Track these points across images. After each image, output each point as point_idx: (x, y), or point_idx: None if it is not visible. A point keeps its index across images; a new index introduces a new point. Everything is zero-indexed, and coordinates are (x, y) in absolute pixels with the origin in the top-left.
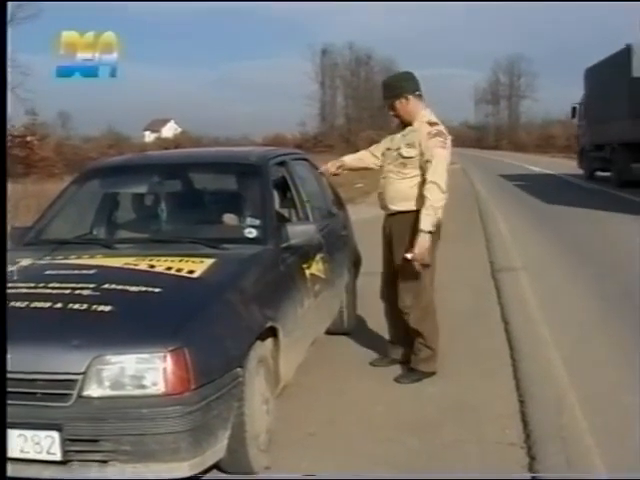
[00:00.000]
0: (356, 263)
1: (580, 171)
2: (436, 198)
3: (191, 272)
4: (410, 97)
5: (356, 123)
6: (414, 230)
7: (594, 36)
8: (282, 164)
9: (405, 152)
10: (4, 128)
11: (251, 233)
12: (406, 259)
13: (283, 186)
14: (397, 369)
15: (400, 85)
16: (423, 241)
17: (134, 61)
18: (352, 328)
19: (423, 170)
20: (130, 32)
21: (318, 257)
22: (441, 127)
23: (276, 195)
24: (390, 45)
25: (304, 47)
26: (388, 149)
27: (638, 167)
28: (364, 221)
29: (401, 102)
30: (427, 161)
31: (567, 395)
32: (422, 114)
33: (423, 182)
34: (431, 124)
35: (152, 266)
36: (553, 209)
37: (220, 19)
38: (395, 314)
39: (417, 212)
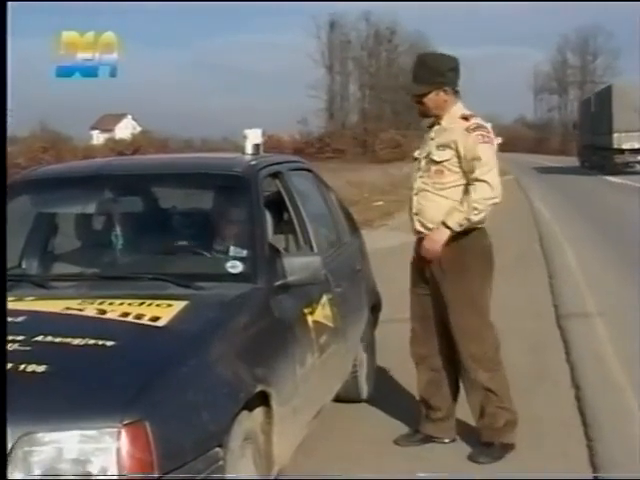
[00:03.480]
0: (375, 307)
1: None
2: (481, 197)
3: (155, 319)
4: (450, 91)
5: (374, 121)
6: (474, 255)
7: None
8: (277, 176)
9: (437, 156)
10: (4, 128)
11: (235, 267)
12: (469, 296)
13: (278, 205)
14: (432, 450)
15: (443, 72)
16: (439, 235)
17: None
18: (369, 394)
19: (466, 174)
20: None
21: (324, 299)
22: (479, 119)
23: (269, 217)
24: (419, 16)
25: (306, 19)
26: (415, 159)
27: (599, 159)
28: (385, 251)
29: (437, 94)
30: (472, 160)
31: None
32: (454, 109)
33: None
34: (466, 118)
35: (102, 311)
36: None
37: None
38: (439, 376)
39: (477, 230)
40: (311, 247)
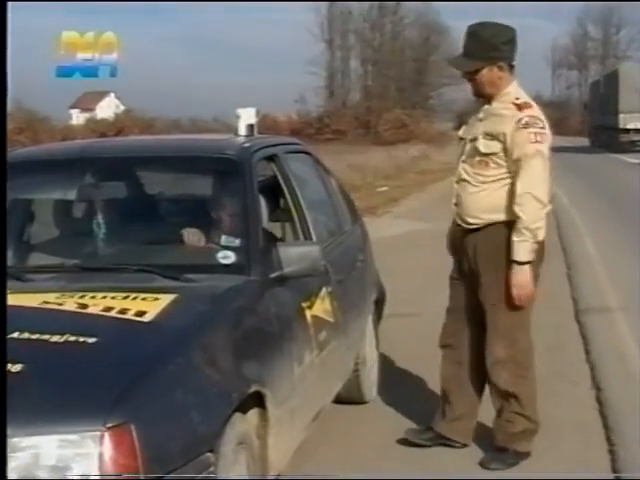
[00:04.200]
0: (378, 301)
1: None
2: (532, 216)
3: (141, 314)
4: (506, 67)
5: (378, 99)
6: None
7: None
8: (272, 159)
9: (483, 146)
10: (4, 128)
11: (227, 258)
12: (507, 293)
13: (273, 190)
14: (440, 455)
15: (500, 46)
16: (521, 275)
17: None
18: (373, 394)
19: (513, 171)
20: None
21: (324, 292)
22: (535, 110)
23: (263, 203)
24: None
25: None
26: (461, 139)
27: (608, 138)
28: (390, 240)
29: (492, 70)
30: (518, 161)
31: None
32: (508, 89)
33: (513, 187)
34: (519, 106)
35: (83, 306)
36: None
37: None
38: (463, 371)
39: (512, 222)
40: (309, 236)
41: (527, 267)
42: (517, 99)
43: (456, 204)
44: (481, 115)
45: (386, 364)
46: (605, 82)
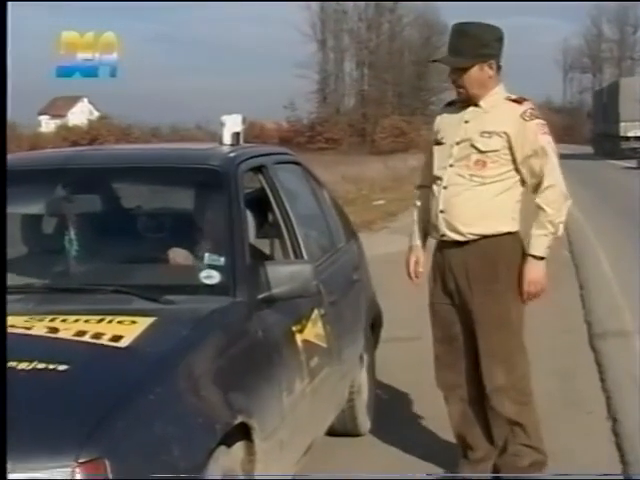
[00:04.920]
0: (375, 324)
1: None
2: (557, 209)
3: (117, 339)
4: (494, 66)
5: (375, 105)
6: (507, 265)
7: None
8: (259, 170)
9: (481, 144)
10: (4, 127)
11: (211, 277)
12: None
13: (261, 204)
14: None
15: (490, 43)
16: (538, 271)
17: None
18: (369, 426)
19: (518, 170)
20: None
21: (316, 315)
22: (532, 103)
23: (250, 218)
24: None
25: None
26: (438, 143)
27: (610, 145)
28: (388, 258)
29: (482, 69)
30: (533, 155)
31: None
32: (494, 91)
33: (515, 188)
34: (517, 101)
35: (54, 330)
36: None
37: None
38: (471, 409)
39: (510, 235)
40: (300, 254)
41: (543, 263)
42: (510, 97)
43: (442, 211)
44: (467, 116)
45: (384, 393)
46: (607, 92)
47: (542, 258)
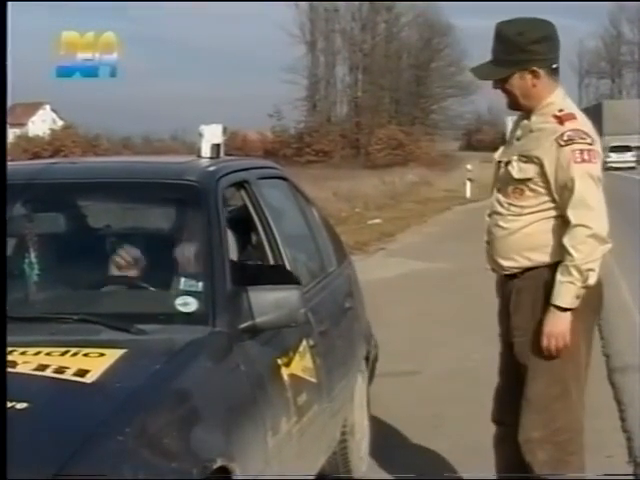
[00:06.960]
0: (370, 356)
1: None
2: (585, 254)
3: (82, 374)
4: (542, 72)
5: (370, 114)
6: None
7: None
8: (242, 185)
9: (517, 171)
10: (4, 127)
11: (187, 305)
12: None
13: (244, 224)
14: None
15: (528, 47)
16: (559, 323)
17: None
18: (362, 470)
19: (558, 200)
20: None
21: (304, 346)
22: (579, 122)
23: (232, 239)
24: None
25: None
26: (498, 162)
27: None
28: (384, 283)
29: (524, 77)
30: (564, 187)
31: None
32: (548, 101)
33: (559, 219)
34: (561, 119)
35: (12, 363)
36: None
37: None
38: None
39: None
40: (286, 279)
41: (568, 315)
42: (560, 111)
43: (487, 242)
44: (519, 132)
45: (379, 433)
46: (592, 111)
47: (566, 309)
